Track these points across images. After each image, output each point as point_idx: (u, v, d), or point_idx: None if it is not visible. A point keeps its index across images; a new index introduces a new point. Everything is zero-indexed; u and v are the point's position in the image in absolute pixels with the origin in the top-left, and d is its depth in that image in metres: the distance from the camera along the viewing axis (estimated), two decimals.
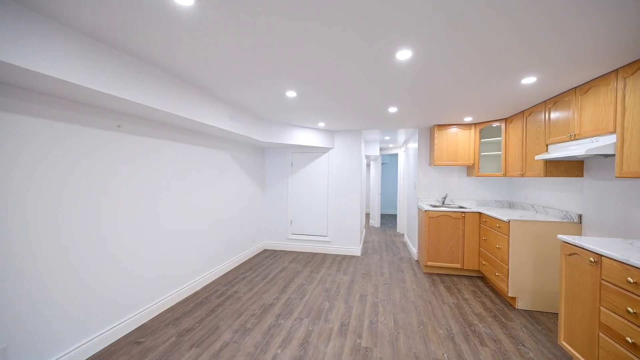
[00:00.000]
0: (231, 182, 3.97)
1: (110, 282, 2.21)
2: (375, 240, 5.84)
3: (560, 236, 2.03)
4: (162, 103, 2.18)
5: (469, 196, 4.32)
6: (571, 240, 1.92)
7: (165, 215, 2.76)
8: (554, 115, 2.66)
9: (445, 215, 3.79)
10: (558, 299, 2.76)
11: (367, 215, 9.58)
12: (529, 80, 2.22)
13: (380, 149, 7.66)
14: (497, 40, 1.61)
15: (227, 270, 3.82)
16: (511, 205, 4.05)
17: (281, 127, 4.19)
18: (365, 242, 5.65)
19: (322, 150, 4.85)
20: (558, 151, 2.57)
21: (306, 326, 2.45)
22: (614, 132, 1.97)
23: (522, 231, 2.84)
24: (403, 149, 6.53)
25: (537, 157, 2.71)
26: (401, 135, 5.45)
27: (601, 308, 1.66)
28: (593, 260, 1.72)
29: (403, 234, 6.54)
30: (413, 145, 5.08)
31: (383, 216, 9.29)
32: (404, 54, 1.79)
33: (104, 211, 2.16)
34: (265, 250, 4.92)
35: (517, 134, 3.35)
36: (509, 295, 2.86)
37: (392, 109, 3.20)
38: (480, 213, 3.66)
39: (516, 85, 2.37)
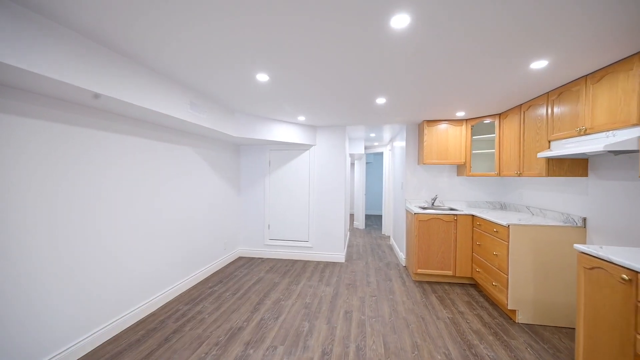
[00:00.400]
0: (199, 182, 3.46)
1: (29, 311, 1.69)
2: (360, 244, 5.50)
3: (578, 246, 1.74)
4: (105, 86, 1.69)
5: (459, 197, 4.06)
6: (593, 251, 1.63)
7: (111, 223, 2.25)
8: (558, 108, 2.39)
9: (436, 218, 3.49)
10: (566, 313, 2.49)
11: (351, 216, 9.27)
12: (539, 64, 1.92)
13: (365, 148, 7.35)
14: (510, 12, 1.27)
15: (193, 284, 3.32)
16: (503, 207, 3.82)
17: (257, 120, 3.73)
18: (349, 246, 5.29)
19: (303, 148, 4.43)
20: (564, 148, 2.30)
21: (280, 357, 2.03)
22: (637, 124, 1.70)
23: (523, 236, 2.57)
24: (388, 147, 6.24)
25: (539, 155, 2.43)
26: (387, 133, 5.13)
27: (637, 336, 1.37)
28: (626, 277, 1.42)
29: (389, 236, 6.25)
30: (399, 144, 4.78)
31: (368, 217, 9.01)
32: (400, 20, 1.42)
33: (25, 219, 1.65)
34: (240, 258, 4.44)
35: (512, 131, 3.09)
36: (509, 308, 2.57)
37: (380, 100, 2.85)
38: (473, 216, 3.39)
39: (523, 70, 2.06)
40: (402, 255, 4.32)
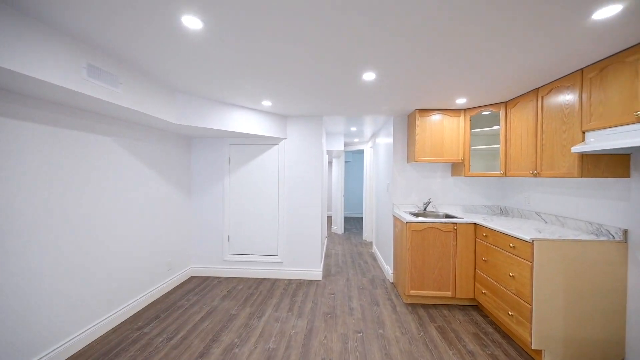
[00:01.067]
0: (127, 184, 2.57)
1: None
2: (339, 253, 4.82)
3: None
4: None
5: (453, 200, 3.50)
6: None
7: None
8: (599, 88, 1.83)
9: (432, 227, 2.87)
10: (605, 353, 1.94)
11: (329, 218, 8.59)
12: (607, 11, 1.30)
13: (344, 145, 6.69)
14: None
15: (115, 324, 2.42)
16: (504, 212, 3.30)
17: (208, 104, 2.89)
18: (327, 257, 4.58)
19: (271, 141, 3.65)
20: (612, 139, 1.73)
21: None
22: None
23: (550, 255, 1.99)
24: (370, 144, 5.62)
25: (574, 149, 1.87)
26: (369, 127, 4.49)
27: None
28: None
29: (371, 243, 5.63)
30: (384, 140, 4.14)
31: (347, 220, 8.38)
32: None
33: None
34: (192, 279, 3.56)
35: (524, 122, 2.54)
36: (534, 347, 1.99)
37: (369, 75, 2.15)
38: (476, 224, 2.81)
39: (581, 25, 1.44)
40: (388, 269, 3.68)
